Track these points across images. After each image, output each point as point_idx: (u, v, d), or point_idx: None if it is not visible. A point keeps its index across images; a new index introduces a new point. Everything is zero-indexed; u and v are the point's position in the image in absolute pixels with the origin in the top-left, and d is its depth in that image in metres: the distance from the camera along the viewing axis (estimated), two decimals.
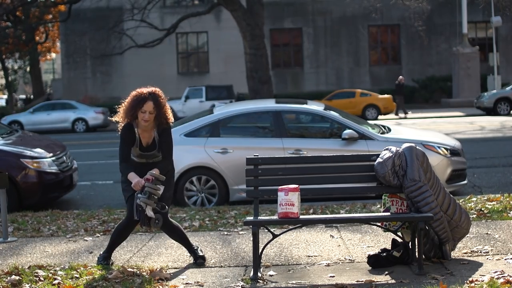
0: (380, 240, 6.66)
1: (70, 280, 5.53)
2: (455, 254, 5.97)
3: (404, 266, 5.70)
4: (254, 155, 5.97)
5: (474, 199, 8.65)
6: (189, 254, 6.34)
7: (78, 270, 5.82)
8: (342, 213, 8.02)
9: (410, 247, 5.74)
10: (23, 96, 58.51)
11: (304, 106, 10.48)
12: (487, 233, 6.72)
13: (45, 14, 42.36)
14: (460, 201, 8.46)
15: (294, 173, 6.08)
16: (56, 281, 5.47)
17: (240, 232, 7.27)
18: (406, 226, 5.74)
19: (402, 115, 30.11)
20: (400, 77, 31.41)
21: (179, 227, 6.22)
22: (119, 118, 5.98)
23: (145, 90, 5.89)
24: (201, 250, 6.20)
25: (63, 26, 39.52)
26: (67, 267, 6.00)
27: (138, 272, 5.73)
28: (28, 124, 29.84)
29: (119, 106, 6.01)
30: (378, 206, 8.26)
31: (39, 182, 9.85)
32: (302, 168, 6.12)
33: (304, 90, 38.89)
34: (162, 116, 5.90)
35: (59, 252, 6.76)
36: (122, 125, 5.97)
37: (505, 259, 5.72)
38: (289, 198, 5.51)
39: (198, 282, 5.50)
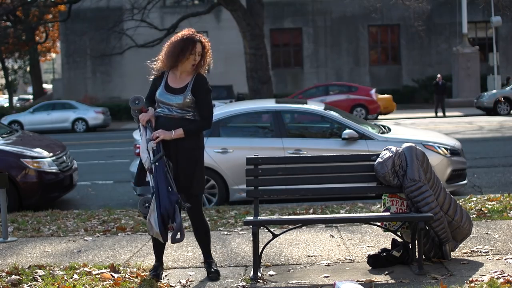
0: (380, 240, 6.66)
1: (70, 280, 5.52)
2: (455, 254, 5.97)
3: (404, 266, 5.69)
4: (254, 155, 5.97)
5: (474, 199, 8.65)
6: (190, 254, 6.34)
7: (78, 270, 5.82)
8: (342, 213, 8.02)
9: (410, 247, 5.74)
10: (28, 97, 58.56)
11: (304, 106, 10.48)
12: (487, 233, 6.72)
13: (45, 14, 42.37)
14: (460, 201, 8.46)
15: (294, 173, 6.07)
16: (55, 281, 5.46)
17: (240, 232, 7.27)
18: (406, 226, 5.74)
19: (440, 114, 29.66)
20: (439, 75, 31.15)
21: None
22: (159, 66, 5.44)
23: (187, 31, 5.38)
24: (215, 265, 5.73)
25: (63, 26, 39.53)
26: (67, 267, 5.99)
27: (138, 271, 5.73)
28: (28, 124, 29.83)
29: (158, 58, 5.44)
30: (378, 206, 8.26)
31: (39, 182, 9.85)
32: (302, 168, 6.11)
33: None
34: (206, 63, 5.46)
35: (59, 252, 6.76)
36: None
37: (505, 259, 5.71)
38: None
39: (199, 281, 5.50)
